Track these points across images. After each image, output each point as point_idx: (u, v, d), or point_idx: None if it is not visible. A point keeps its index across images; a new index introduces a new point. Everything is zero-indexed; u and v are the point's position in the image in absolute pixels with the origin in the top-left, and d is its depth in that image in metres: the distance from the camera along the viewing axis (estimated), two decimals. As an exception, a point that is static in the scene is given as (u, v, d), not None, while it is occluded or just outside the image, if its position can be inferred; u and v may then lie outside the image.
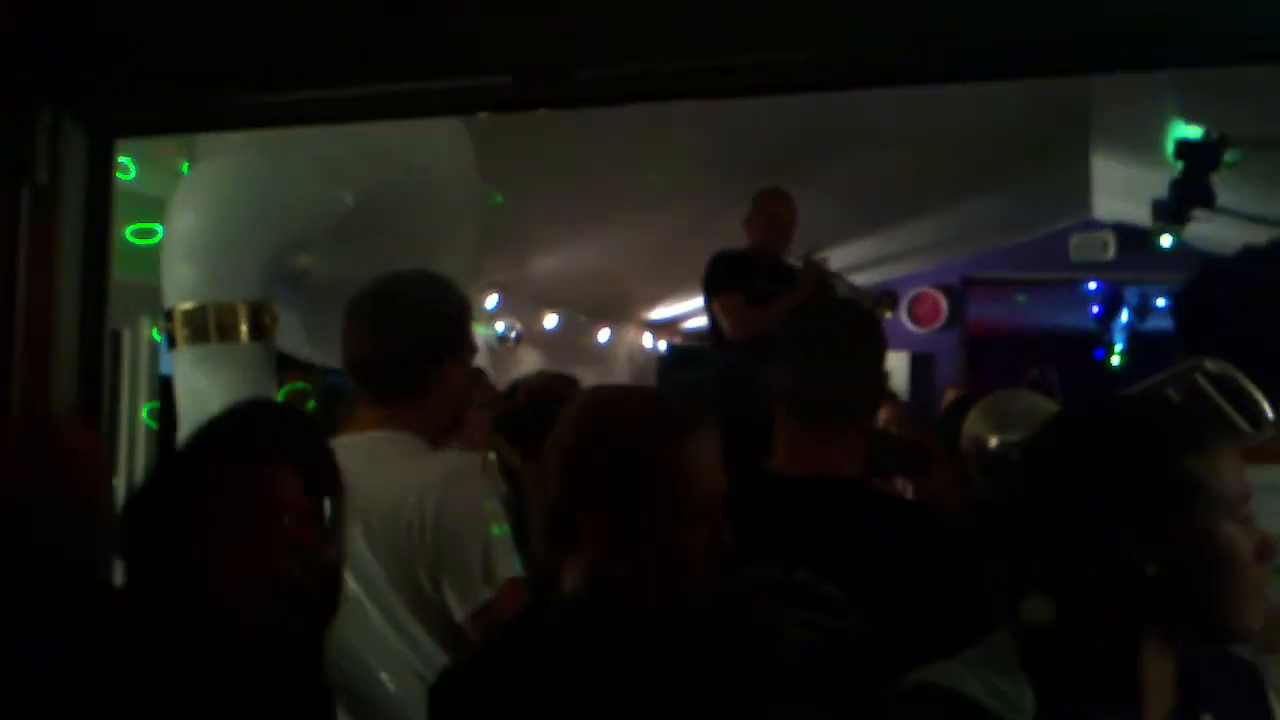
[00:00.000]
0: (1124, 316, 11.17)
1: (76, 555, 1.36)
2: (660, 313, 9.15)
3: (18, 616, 1.27)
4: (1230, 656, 1.42)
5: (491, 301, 6.78)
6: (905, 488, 4.16)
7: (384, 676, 1.92)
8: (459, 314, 2.22)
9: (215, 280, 2.26)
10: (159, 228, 3.35)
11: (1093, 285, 10.27)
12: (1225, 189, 5.93)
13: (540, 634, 1.41)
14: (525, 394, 3.09)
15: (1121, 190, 7.46)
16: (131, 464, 4.18)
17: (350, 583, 1.89)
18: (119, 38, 1.50)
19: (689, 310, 8.61)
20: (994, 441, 2.19)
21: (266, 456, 1.40)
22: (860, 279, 7.90)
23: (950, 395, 7.22)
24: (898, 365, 9.32)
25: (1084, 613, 1.32)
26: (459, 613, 1.99)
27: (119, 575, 1.40)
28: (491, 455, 3.92)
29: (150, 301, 4.13)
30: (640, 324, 9.24)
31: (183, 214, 2.31)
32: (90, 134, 1.54)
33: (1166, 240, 6.87)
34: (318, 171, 2.32)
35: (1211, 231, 6.72)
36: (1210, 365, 1.72)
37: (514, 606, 1.94)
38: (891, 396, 6.44)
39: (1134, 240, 8.15)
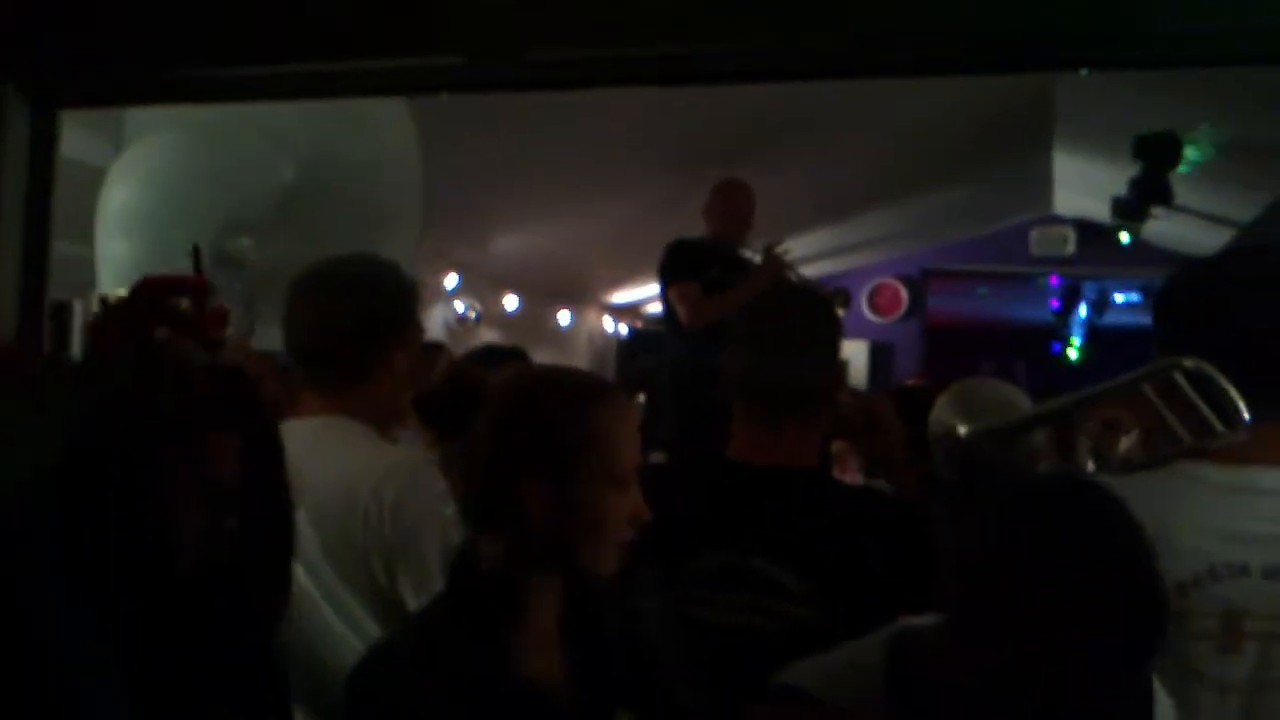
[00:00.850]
0: (1082, 311, 11.28)
1: None
2: (621, 297, 9.14)
3: None
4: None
5: (451, 282, 6.74)
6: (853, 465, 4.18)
7: (339, 671, 1.89)
8: (405, 298, 2.17)
9: (152, 261, 2.15)
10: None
11: (1053, 280, 10.36)
12: (1184, 188, 6.00)
13: (466, 611, 1.42)
14: (442, 374, 3.05)
15: (1083, 186, 7.53)
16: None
17: (301, 576, 1.87)
18: (63, 8, 1.48)
19: (649, 295, 8.61)
20: (962, 430, 2.20)
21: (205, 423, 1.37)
22: (822, 268, 7.96)
23: (910, 384, 7.27)
24: (857, 354, 9.36)
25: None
26: (413, 604, 1.95)
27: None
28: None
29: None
30: (601, 307, 9.23)
31: (118, 189, 2.22)
32: (33, 104, 1.52)
33: (1125, 237, 6.93)
34: (258, 147, 2.27)
35: (1170, 229, 6.80)
36: (1188, 364, 1.72)
37: None
38: (849, 390, 6.45)
39: (1094, 236, 8.24)
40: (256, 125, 2.28)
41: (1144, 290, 10.11)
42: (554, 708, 1.36)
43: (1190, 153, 5.65)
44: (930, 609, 1.78)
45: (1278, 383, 1.69)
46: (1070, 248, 8.69)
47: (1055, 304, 11.14)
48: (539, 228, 6.46)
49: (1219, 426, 1.69)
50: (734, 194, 4.96)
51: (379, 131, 2.61)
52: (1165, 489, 1.68)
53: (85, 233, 3.57)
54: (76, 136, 1.97)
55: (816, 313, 2.19)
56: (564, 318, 8.48)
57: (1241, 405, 1.67)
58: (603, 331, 9.23)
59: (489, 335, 7.19)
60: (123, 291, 2.00)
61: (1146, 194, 6.03)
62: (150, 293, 1.39)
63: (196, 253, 1.43)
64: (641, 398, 4.68)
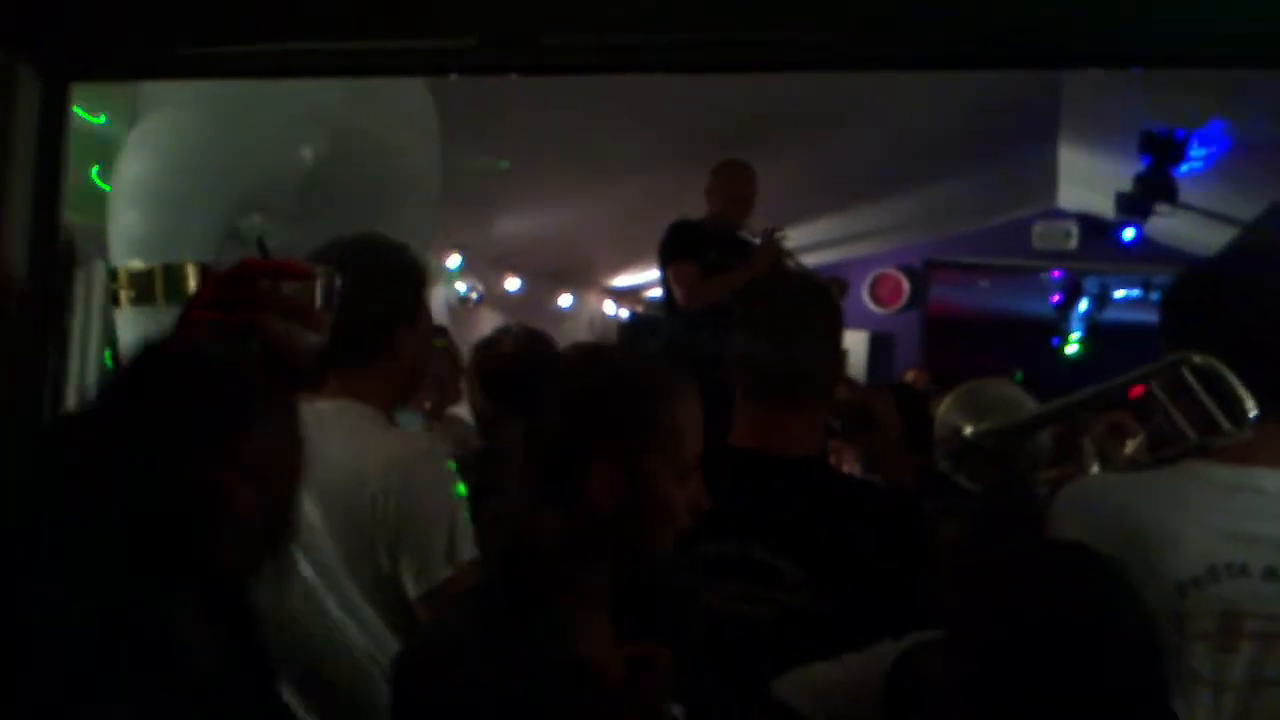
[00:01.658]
0: (1083, 306, 11.28)
1: None
2: (622, 280, 9.14)
3: None
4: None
5: (454, 262, 6.74)
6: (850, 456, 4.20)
7: (340, 661, 1.88)
8: (416, 280, 2.16)
9: (164, 235, 2.13)
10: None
11: (1054, 274, 10.36)
12: (1188, 185, 6.00)
13: (521, 587, 1.41)
14: (512, 344, 3.02)
15: (1087, 180, 7.52)
16: (84, 408, 4.13)
17: (305, 566, 1.87)
18: (77, -21, 1.48)
19: (651, 279, 8.60)
20: (968, 430, 2.20)
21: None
22: (824, 257, 7.95)
23: (910, 376, 7.26)
24: (857, 344, 9.35)
25: None
26: (413, 590, 1.96)
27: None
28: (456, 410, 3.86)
29: (100, 243, 4.11)
30: (602, 290, 9.23)
31: (132, 162, 2.18)
32: (44, 77, 1.51)
33: (1129, 233, 6.93)
34: (278, 127, 2.23)
35: (1173, 226, 6.79)
36: (1197, 360, 1.73)
37: (466, 586, 1.93)
38: (847, 380, 6.45)
39: (1096, 231, 8.23)
40: (278, 102, 2.24)
41: (1145, 286, 10.10)
42: (607, 687, 1.35)
43: (1196, 151, 5.65)
44: (923, 598, 1.80)
45: None
46: (1073, 242, 8.68)
47: (1056, 298, 11.14)
48: (542, 210, 6.46)
49: (1225, 424, 1.69)
50: (736, 174, 4.96)
51: (401, 112, 2.57)
52: (1170, 487, 1.69)
53: (84, 203, 3.57)
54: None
55: (820, 300, 2.19)
56: (565, 300, 8.48)
57: (1249, 402, 1.67)
58: (603, 315, 9.23)
59: (490, 317, 7.19)
60: (137, 264, 1.99)
61: (1151, 190, 6.03)
62: (260, 275, 1.36)
63: (262, 244, 1.42)
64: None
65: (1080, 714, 1.25)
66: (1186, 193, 6.10)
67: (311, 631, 1.82)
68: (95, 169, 3.31)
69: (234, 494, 1.29)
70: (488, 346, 3.12)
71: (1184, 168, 5.71)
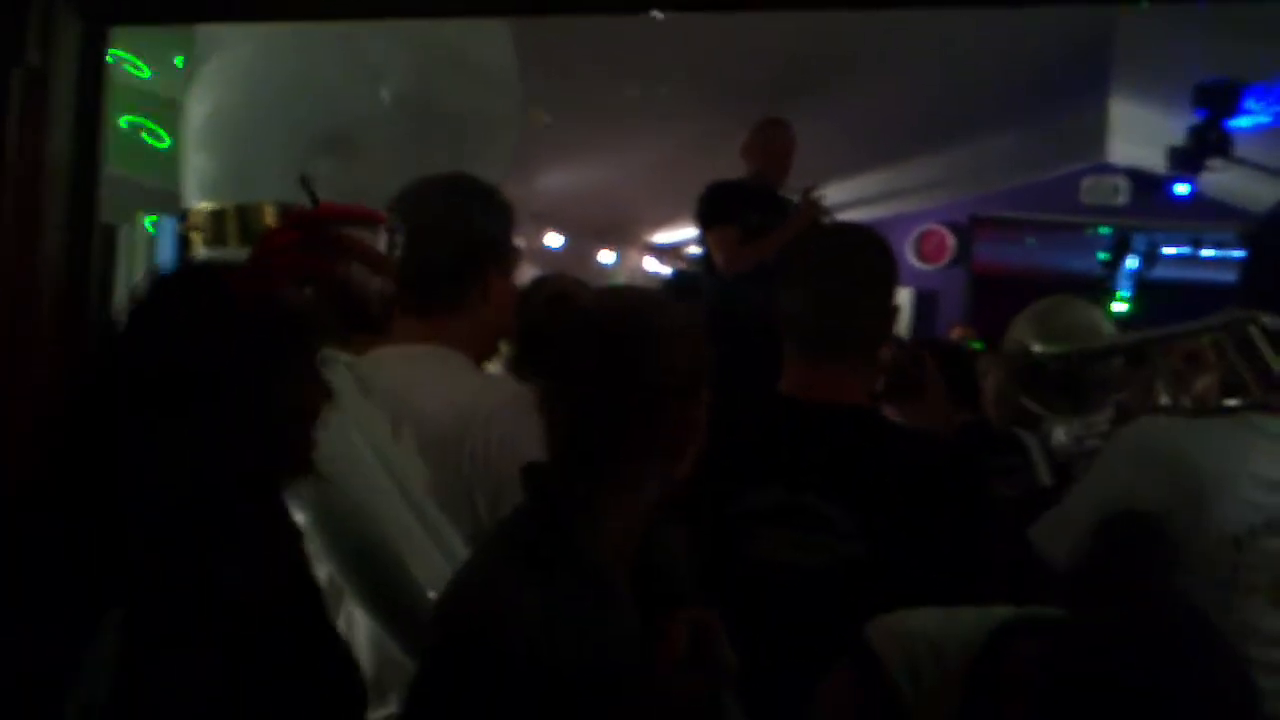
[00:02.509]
0: (1131, 263, 11.10)
1: None
2: (664, 237, 9.09)
3: None
4: None
5: (495, 217, 6.70)
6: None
7: (431, 594, 1.86)
8: (506, 223, 2.11)
9: (237, 176, 2.05)
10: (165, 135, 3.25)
11: (1102, 230, 10.19)
12: (1243, 139, 5.87)
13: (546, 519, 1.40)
14: (545, 303, 2.96)
15: (1138, 134, 7.37)
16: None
17: (393, 488, 1.86)
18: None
19: (693, 236, 8.55)
20: (1036, 348, 2.16)
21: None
22: (867, 213, 7.86)
23: (956, 333, 7.19)
24: (901, 301, 9.26)
25: None
26: None
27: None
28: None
29: (149, 200, 4.11)
30: (644, 247, 9.19)
31: (203, 102, 2.09)
32: (85, 17, 1.50)
33: (1183, 189, 6.79)
34: (354, 65, 2.15)
35: (1226, 181, 6.66)
36: (1266, 319, 1.69)
37: None
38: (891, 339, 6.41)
39: (1147, 186, 8.08)
40: (354, 39, 2.16)
41: (1195, 243, 9.93)
42: (671, 657, 1.30)
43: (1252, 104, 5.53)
44: (972, 548, 1.77)
45: None
46: (1122, 198, 8.52)
47: (1104, 255, 10.97)
48: (583, 165, 6.43)
49: (1287, 385, 1.66)
50: (774, 132, 4.90)
51: (481, 51, 2.48)
52: (1229, 438, 1.65)
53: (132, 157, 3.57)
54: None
55: (874, 250, 2.15)
56: (607, 257, 8.45)
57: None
58: (645, 272, 9.19)
59: (531, 274, 7.16)
60: (209, 204, 1.95)
61: (1205, 144, 5.90)
62: (334, 221, 1.35)
63: (307, 183, 1.39)
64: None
65: None
66: (1241, 147, 5.98)
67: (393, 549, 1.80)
68: (134, 120, 3.30)
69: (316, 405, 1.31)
70: (523, 300, 3.09)
71: (1245, 121, 5.57)
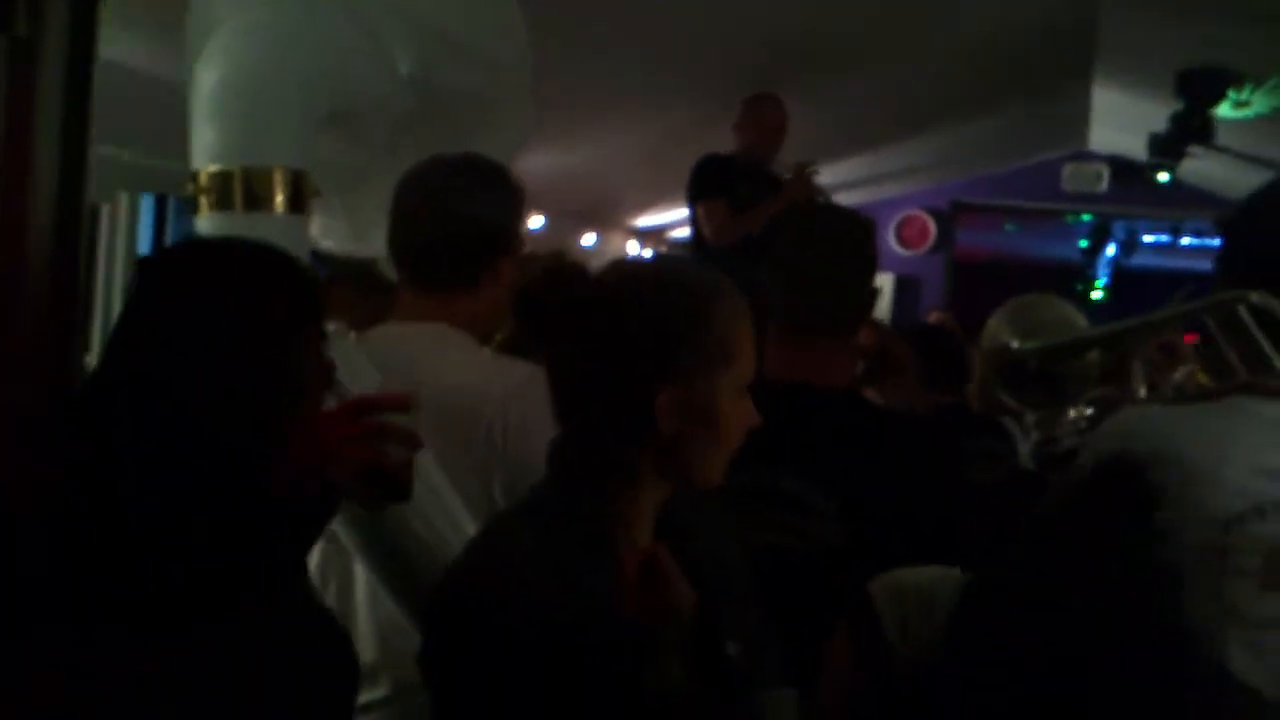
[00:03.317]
0: (1110, 250, 11.17)
1: None
2: (646, 220, 9.08)
3: None
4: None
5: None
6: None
7: (437, 552, 1.86)
8: (517, 206, 2.12)
9: (244, 148, 1.99)
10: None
11: (1083, 217, 10.24)
12: (1223, 126, 5.90)
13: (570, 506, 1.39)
14: (541, 276, 2.96)
15: (1119, 121, 7.40)
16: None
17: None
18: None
19: (675, 219, 8.54)
20: (1015, 344, 2.18)
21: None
22: (849, 198, 7.86)
23: (934, 319, 7.22)
24: (882, 286, 9.28)
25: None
26: None
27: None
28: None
29: (133, 178, 4.08)
30: (626, 230, 9.18)
31: (210, 70, 2.01)
32: (72, -9, 1.48)
33: (1163, 176, 6.82)
34: (363, 43, 2.10)
35: (1206, 169, 6.69)
36: (1255, 298, 1.69)
37: None
38: (871, 323, 6.45)
39: (1127, 174, 8.11)
40: (367, 9, 2.12)
41: (1174, 231, 9.99)
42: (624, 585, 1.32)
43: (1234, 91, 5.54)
44: (951, 528, 1.78)
45: None
46: (1103, 184, 8.55)
47: (1084, 243, 11.04)
48: (564, 148, 6.39)
49: (1278, 363, 1.66)
50: (767, 107, 4.92)
51: (497, 24, 2.44)
52: (1216, 422, 1.66)
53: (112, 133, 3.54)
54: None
55: (855, 232, 2.16)
56: (589, 239, 8.43)
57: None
58: (627, 255, 9.18)
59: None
60: (214, 167, 1.91)
61: (1186, 131, 5.93)
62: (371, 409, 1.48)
63: (319, 258, 1.45)
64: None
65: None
66: (1222, 135, 6.01)
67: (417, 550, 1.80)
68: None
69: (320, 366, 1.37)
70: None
71: (1233, 113, 5.59)
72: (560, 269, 2.92)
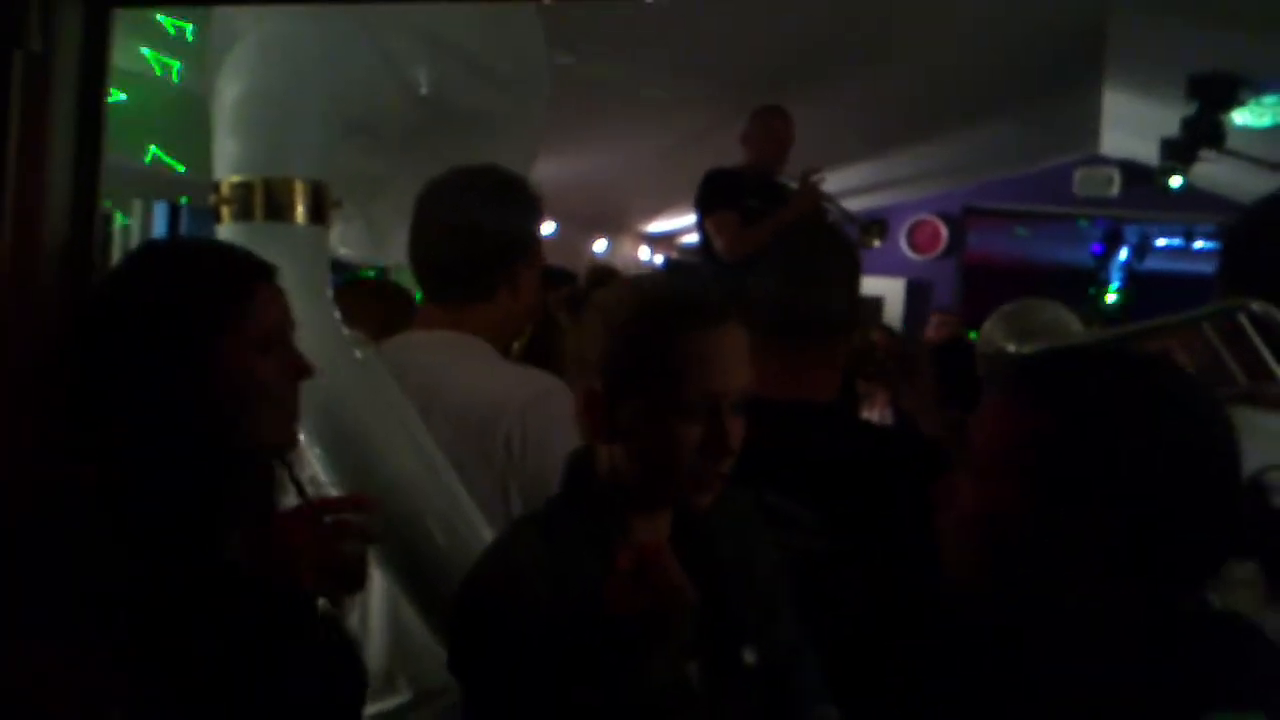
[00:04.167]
0: (1123, 255, 11.14)
1: None
2: (657, 226, 9.09)
3: None
4: None
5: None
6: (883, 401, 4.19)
7: (454, 558, 1.84)
8: (535, 216, 2.14)
9: (268, 156, 2.01)
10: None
11: (1093, 222, 10.21)
12: (1234, 130, 5.88)
13: (579, 517, 1.41)
14: (587, 278, 2.97)
15: (1131, 126, 7.39)
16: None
17: (420, 463, 1.87)
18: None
19: (685, 225, 8.54)
20: (1011, 348, 2.17)
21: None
22: (861, 203, 7.86)
23: (935, 319, 7.20)
24: (894, 291, 9.28)
25: None
26: None
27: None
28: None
29: (145, 185, 4.09)
30: (637, 236, 9.19)
31: (232, 83, 2.04)
32: (85, 3, 1.49)
33: (1176, 181, 6.80)
34: (379, 60, 2.12)
35: (1218, 173, 6.67)
36: (1255, 306, 1.68)
37: None
38: (883, 328, 6.45)
39: (1139, 178, 8.10)
40: (389, 22, 2.14)
41: (1187, 235, 9.96)
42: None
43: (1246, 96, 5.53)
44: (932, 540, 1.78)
45: None
46: (1115, 189, 8.53)
47: (1096, 248, 11.00)
48: (576, 154, 6.41)
49: (1279, 373, 1.66)
50: (773, 119, 4.90)
51: (516, 46, 2.45)
52: None
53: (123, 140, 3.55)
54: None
55: (834, 247, 2.17)
56: (600, 245, 8.45)
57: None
58: (638, 261, 9.19)
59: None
60: (236, 178, 1.94)
61: (1198, 135, 5.91)
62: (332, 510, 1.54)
63: None
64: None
65: None
66: (1232, 139, 5.99)
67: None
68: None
69: (255, 368, 1.38)
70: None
71: (1253, 122, 5.57)
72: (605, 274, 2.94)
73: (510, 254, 2.07)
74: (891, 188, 8.72)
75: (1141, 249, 10.89)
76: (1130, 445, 1.11)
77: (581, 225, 8.05)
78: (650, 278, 1.54)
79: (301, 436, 1.66)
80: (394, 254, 2.33)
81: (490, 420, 1.93)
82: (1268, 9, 4.23)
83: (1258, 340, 1.67)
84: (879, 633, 1.63)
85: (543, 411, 1.94)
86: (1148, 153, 6.87)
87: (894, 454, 1.97)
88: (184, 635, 1.25)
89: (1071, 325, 2.23)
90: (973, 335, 5.35)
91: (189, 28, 3.22)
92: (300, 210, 2.00)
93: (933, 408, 2.34)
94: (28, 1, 1.40)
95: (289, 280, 1.52)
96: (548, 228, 7.13)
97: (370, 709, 1.75)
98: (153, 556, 1.26)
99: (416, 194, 2.12)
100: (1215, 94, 5.55)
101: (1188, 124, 5.90)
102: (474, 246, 2.04)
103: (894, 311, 9.24)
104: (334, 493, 1.85)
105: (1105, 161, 8.61)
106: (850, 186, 7.34)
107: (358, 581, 1.51)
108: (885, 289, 9.24)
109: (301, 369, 1.46)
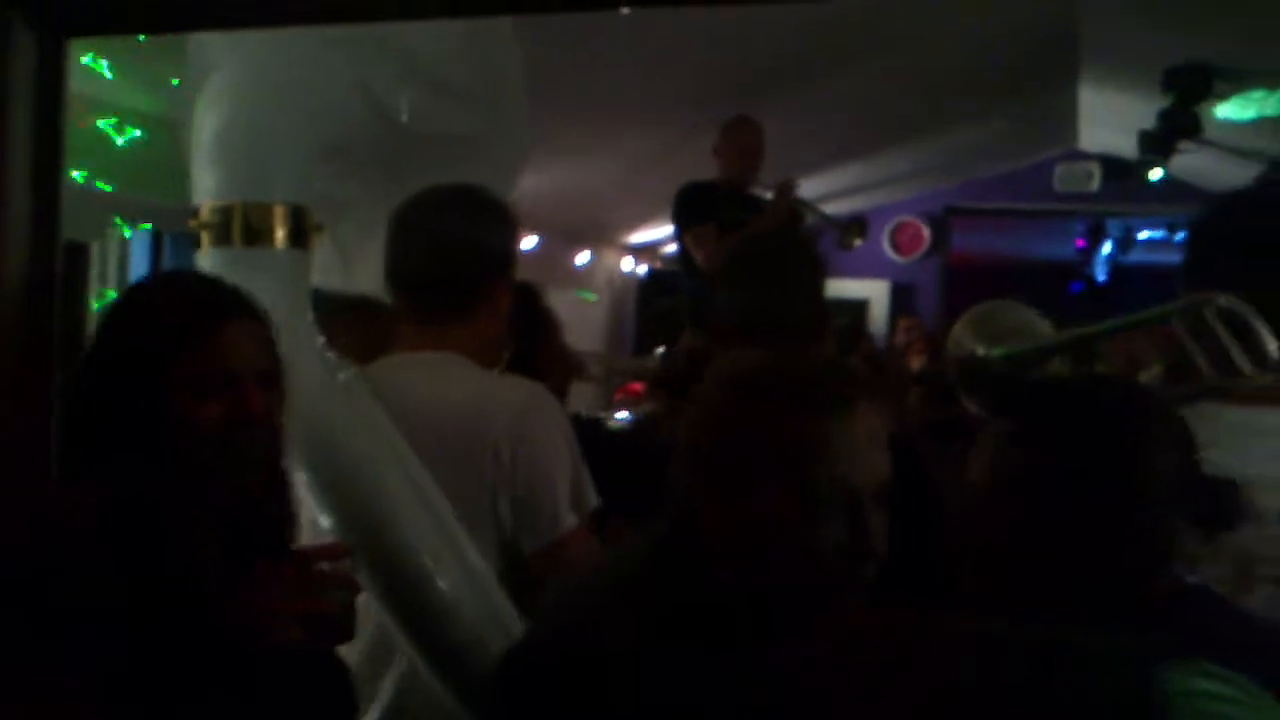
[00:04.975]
0: (1106, 248, 11.15)
1: None
2: (639, 237, 9.07)
3: None
4: None
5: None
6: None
7: (441, 584, 1.86)
8: (513, 234, 2.14)
9: (247, 182, 2.01)
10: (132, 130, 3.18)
11: (1076, 216, 10.23)
12: (1212, 122, 5.89)
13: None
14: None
15: (1109, 120, 7.40)
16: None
17: (408, 488, 1.86)
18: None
19: (667, 235, 8.53)
20: (980, 352, 2.16)
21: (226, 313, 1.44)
22: (843, 206, 7.87)
23: (903, 325, 7.17)
24: (878, 294, 9.29)
25: None
26: (530, 544, 1.93)
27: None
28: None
29: (121, 213, 4.06)
30: (620, 247, 9.16)
31: (209, 116, 2.03)
32: (40, 33, 1.47)
33: (1155, 173, 6.81)
34: (354, 85, 2.12)
35: (1198, 163, 6.68)
36: (1222, 301, 1.68)
37: (584, 543, 1.92)
38: (862, 335, 6.44)
39: (1119, 172, 8.11)
40: (363, 48, 2.13)
41: (1170, 227, 9.98)
42: None
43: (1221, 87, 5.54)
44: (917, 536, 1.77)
45: None
46: (1095, 183, 8.53)
47: (1080, 242, 11.02)
48: (556, 167, 6.39)
49: (1247, 367, 1.65)
50: (743, 130, 4.91)
51: (493, 69, 2.44)
52: None
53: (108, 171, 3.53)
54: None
55: (797, 254, 2.18)
56: (582, 257, 8.42)
57: (1273, 346, 1.64)
58: (621, 272, 9.17)
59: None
60: (215, 202, 1.94)
61: (1175, 127, 5.92)
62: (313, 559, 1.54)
63: None
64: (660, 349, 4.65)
65: None
66: (1215, 131, 6.00)
67: (409, 545, 1.81)
68: (105, 123, 3.24)
69: (190, 413, 1.38)
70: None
71: (1237, 114, 5.58)
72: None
73: (488, 270, 2.06)
74: (872, 190, 8.72)
75: (1125, 242, 10.90)
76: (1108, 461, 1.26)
77: (563, 238, 8.03)
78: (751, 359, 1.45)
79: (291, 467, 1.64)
80: (361, 280, 2.31)
81: (478, 433, 1.92)
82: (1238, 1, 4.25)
83: (1224, 335, 1.67)
84: None
85: (530, 418, 1.93)
86: (1126, 146, 6.88)
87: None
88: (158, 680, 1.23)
89: (1039, 326, 2.23)
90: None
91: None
92: (280, 234, 1.99)
93: (908, 416, 2.35)
94: (-21, 33, 1.38)
95: (269, 305, 1.51)
96: (529, 242, 7.11)
97: None
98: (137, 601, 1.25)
99: (389, 213, 2.10)
100: (1191, 86, 5.55)
101: (1164, 116, 5.90)
102: (454, 263, 2.03)
103: (878, 314, 9.24)
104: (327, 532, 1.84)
105: (1085, 156, 8.62)
106: (830, 190, 7.34)
107: (346, 633, 1.49)
108: (870, 291, 9.24)
109: (248, 415, 1.41)
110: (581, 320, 7.64)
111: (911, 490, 1.84)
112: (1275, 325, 1.65)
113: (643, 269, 9.26)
